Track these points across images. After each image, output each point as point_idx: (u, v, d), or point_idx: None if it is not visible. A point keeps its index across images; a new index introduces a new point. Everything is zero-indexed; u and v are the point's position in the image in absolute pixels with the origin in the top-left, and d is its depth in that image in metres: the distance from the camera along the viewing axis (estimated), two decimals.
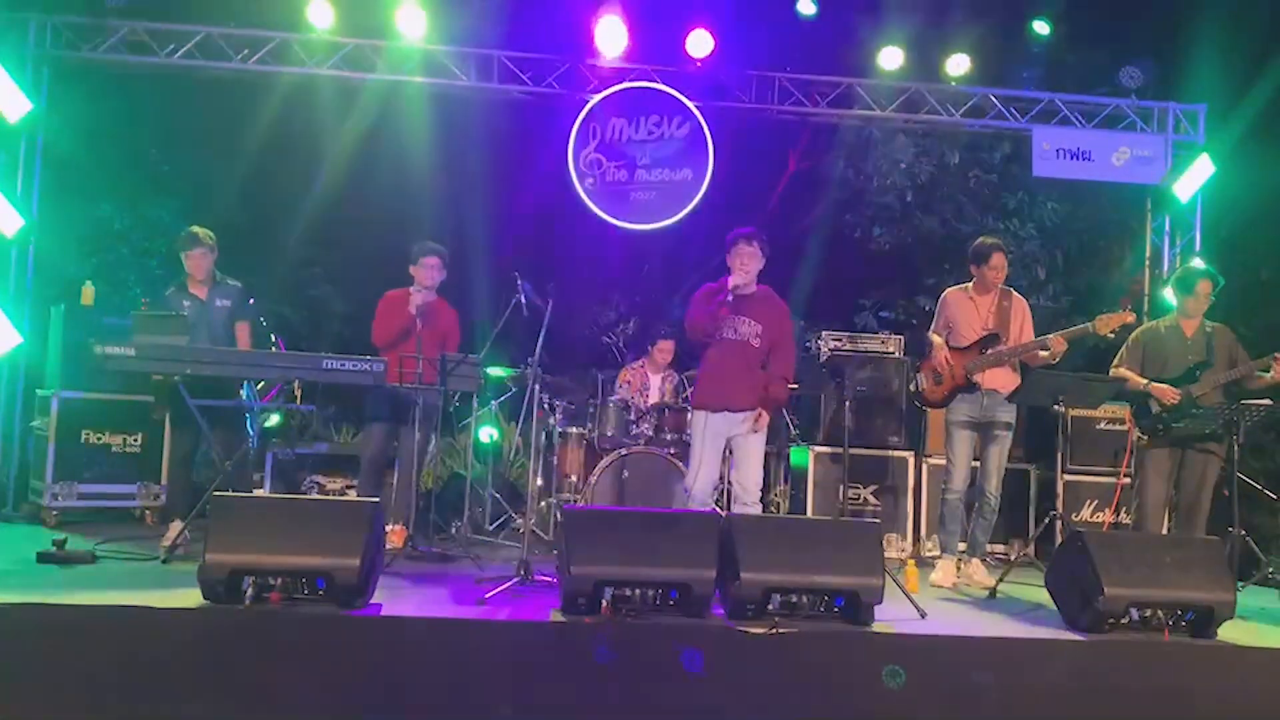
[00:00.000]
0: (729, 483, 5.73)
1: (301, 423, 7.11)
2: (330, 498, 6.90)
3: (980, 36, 8.69)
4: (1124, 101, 8.45)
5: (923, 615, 4.70)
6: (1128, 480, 6.16)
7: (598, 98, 8.27)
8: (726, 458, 5.61)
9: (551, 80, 8.29)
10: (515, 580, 4.82)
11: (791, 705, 3.96)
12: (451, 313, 6.45)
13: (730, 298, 5.31)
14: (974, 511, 5.99)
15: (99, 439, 6.74)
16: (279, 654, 3.87)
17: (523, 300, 6.39)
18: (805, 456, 7.18)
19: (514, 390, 7.40)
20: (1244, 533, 5.69)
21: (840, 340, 7.63)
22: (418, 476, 6.11)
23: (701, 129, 8.30)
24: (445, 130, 9.96)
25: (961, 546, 6.06)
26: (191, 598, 4.08)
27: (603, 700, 3.89)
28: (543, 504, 6.97)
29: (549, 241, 11.09)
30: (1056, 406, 5.86)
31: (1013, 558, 6.54)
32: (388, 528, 5.87)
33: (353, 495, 6.74)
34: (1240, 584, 5.20)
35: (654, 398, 7.30)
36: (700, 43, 8.15)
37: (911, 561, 6.03)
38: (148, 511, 6.83)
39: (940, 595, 5.53)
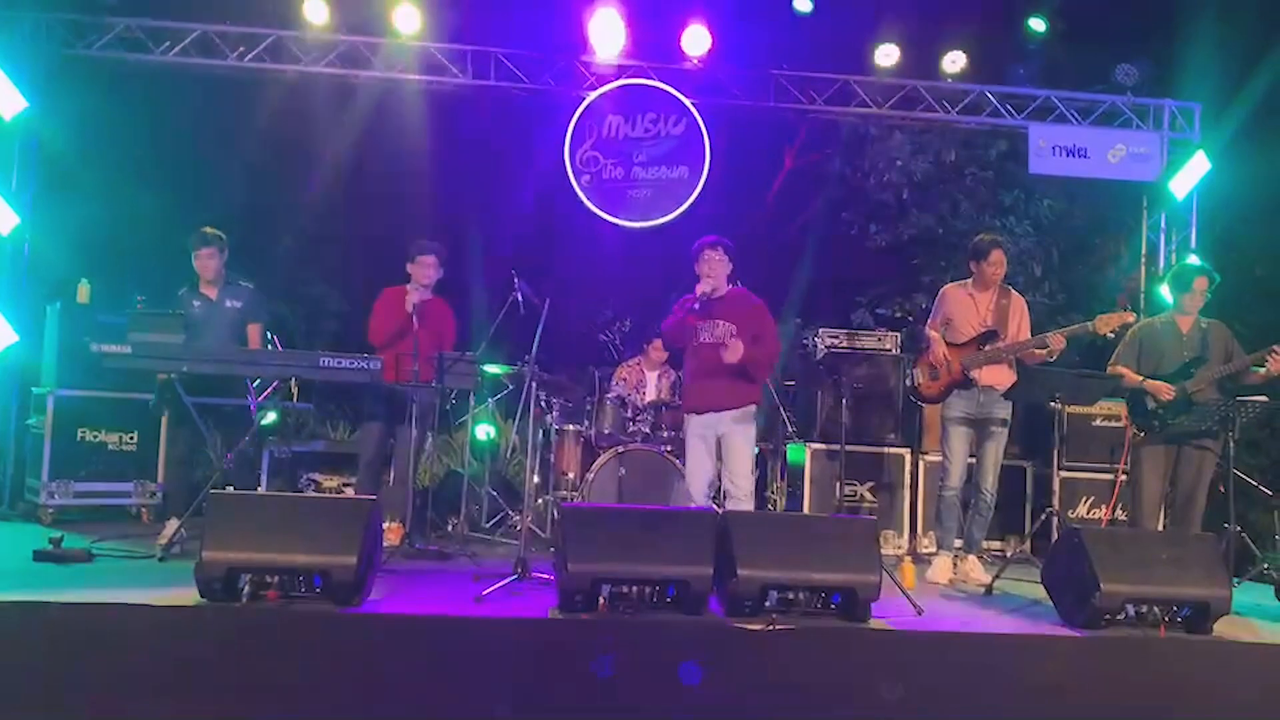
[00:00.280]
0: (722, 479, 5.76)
1: (298, 421, 7.11)
2: (327, 495, 6.90)
3: (976, 34, 8.70)
4: (1120, 99, 8.46)
5: (919, 612, 4.71)
6: (1124, 477, 6.17)
7: (594, 95, 8.27)
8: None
9: (548, 77, 8.28)
10: (512, 578, 4.82)
11: (789, 702, 3.97)
12: (448, 311, 6.45)
13: (697, 305, 5.51)
14: (970, 508, 5.99)
15: (95, 437, 6.73)
16: (276, 652, 3.87)
17: (519, 298, 6.39)
18: (802, 454, 7.18)
19: (511, 388, 7.40)
20: (1239, 529, 5.70)
21: (837, 337, 7.64)
22: (414, 474, 6.11)
23: (698, 126, 8.30)
24: (441, 128, 9.95)
25: (958, 543, 6.06)
26: (188, 596, 4.08)
27: (600, 698, 3.90)
28: (540, 501, 6.97)
29: (546, 239, 11.07)
30: (1053, 403, 5.87)
31: (1009, 554, 6.55)
32: (385, 525, 5.86)
33: (350, 493, 6.74)
34: (1236, 580, 5.21)
35: (651, 395, 7.31)
36: (697, 40, 8.15)
37: (908, 558, 6.06)
38: (144, 509, 6.82)
39: (937, 592, 5.54)
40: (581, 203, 8.37)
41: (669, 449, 6.71)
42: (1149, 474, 5.85)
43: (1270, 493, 6.91)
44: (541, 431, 7.05)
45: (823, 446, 7.15)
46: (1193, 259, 8.01)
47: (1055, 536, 5.82)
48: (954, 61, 8.34)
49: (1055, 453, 6.71)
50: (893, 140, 10.15)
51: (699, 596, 4.28)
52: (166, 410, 6.06)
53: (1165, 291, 6.33)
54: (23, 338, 7.31)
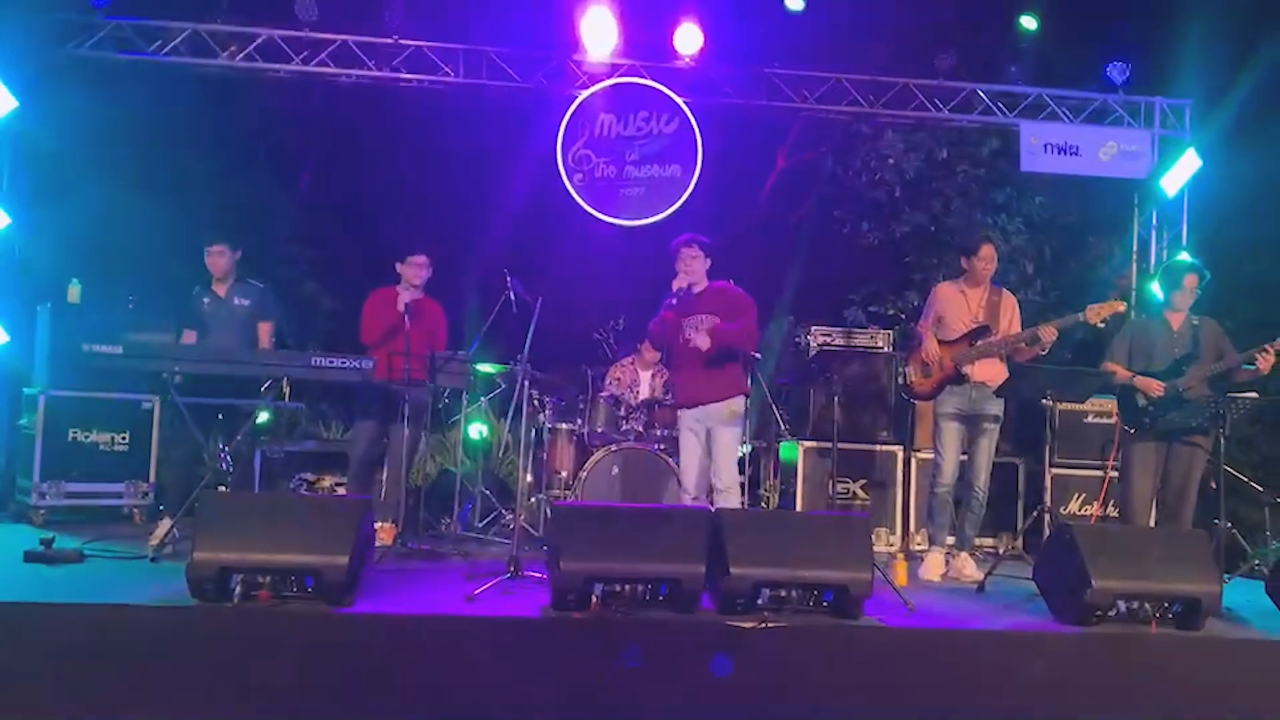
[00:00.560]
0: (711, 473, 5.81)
1: (290, 420, 7.10)
2: (319, 495, 6.89)
3: (968, 32, 8.72)
4: (1111, 96, 8.48)
5: (911, 609, 4.72)
6: (1115, 474, 6.19)
7: (586, 94, 8.26)
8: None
9: (539, 76, 8.26)
10: (505, 577, 4.82)
11: (781, 700, 3.98)
12: (439, 310, 6.45)
13: (675, 300, 5.65)
14: (962, 505, 6.00)
15: (86, 437, 6.71)
16: (268, 652, 3.86)
17: (512, 297, 6.38)
18: (794, 451, 7.19)
19: (504, 387, 7.39)
20: (1230, 525, 5.73)
21: (829, 335, 7.64)
22: (407, 474, 6.11)
23: (690, 125, 8.30)
24: (433, 127, 9.94)
25: (950, 540, 6.08)
26: (180, 596, 4.07)
27: (593, 696, 3.90)
28: (533, 500, 6.96)
29: (538, 238, 11.07)
30: (1045, 400, 5.88)
31: (1001, 551, 6.57)
32: (377, 525, 5.86)
33: (342, 493, 6.73)
34: (1227, 576, 5.24)
35: (644, 394, 7.31)
36: (689, 38, 8.15)
37: (900, 555, 6.07)
38: (136, 510, 6.81)
39: (929, 589, 5.54)
40: (574, 201, 8.36)
41: (662, 447, 6.72)
42: (1140, 471, 5.86)
43: (1261, 489, 6.93)
44: (534, 430, 7.04)
45: (815, 444, 7.15)
46: (1184, 256, 8.04)
47: (1047, 533, 5.84)
48: (946, 59, 8.35)
49: (1047, 449, 6.72)
50: (885, 138, 10.15)
51: (691, 594, 4.28)
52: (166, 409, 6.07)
53: (1156, 289, 6.34)
54: (13, 338, 7.29)
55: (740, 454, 5.93)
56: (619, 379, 7.47)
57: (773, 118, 8.92)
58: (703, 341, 5.54)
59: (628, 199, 8.38)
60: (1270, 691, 4.22)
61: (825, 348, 7.48)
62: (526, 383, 5.68)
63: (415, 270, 6.27)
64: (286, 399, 5.39)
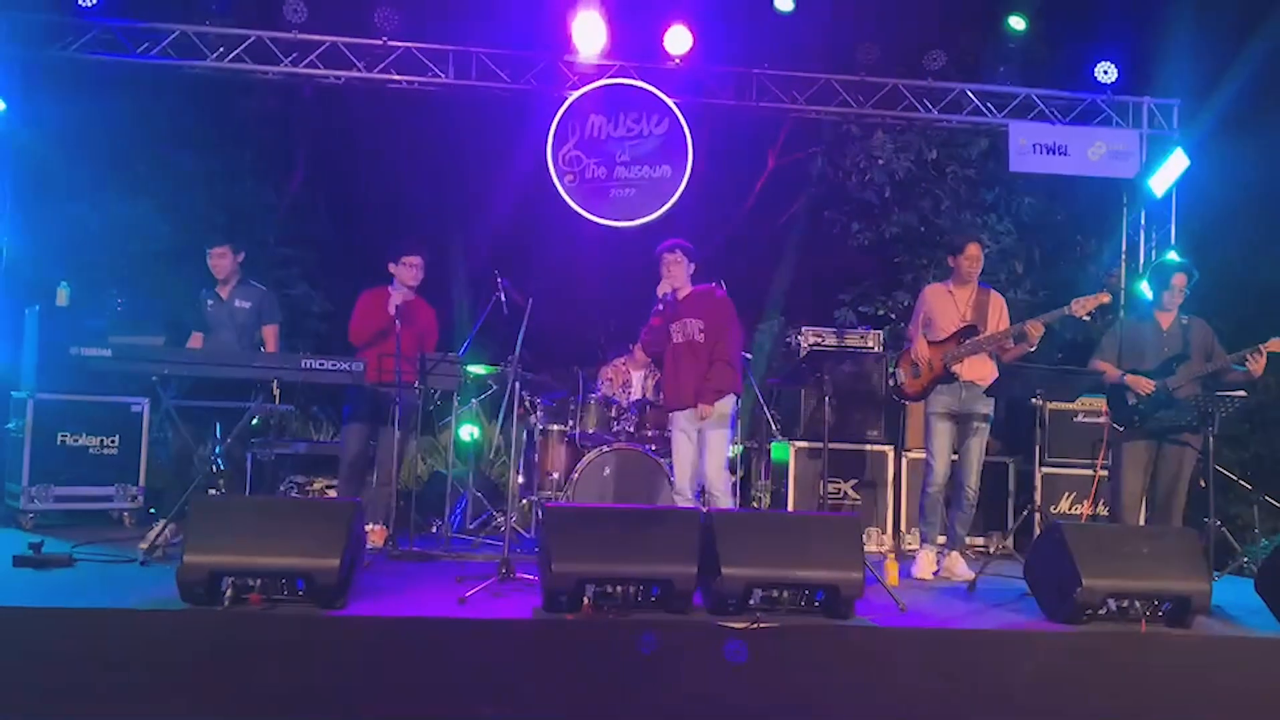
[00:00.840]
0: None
1: (280, 423, 7.08)
2: (310, 498, 6.87)
3: (956, 32, 8.74)
4: (1099, 96, 8.51)
5: (902, 609, 4.72)
6: (1105, 473, 6.20)
7: (576, 94, 8.25)
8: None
9: (530, 77, 8.26)
10: (496, 579, 4.82)
11: (773, 700, 3.98)
12: (429, 311, 6.44)
13: (661, 305, 5.79)
14: (953, 505, 6.02)
15: (75, 441, 6.68)
16: (258, 656, 3.85)
17: (503, 298, 6.38)
18: (786, 452, 7.20)
19: (495, 388, 7.39)
20: (1220, 523, 5.75)
21: (820, 336, 7.66)
22: (398, 476, 6.10)
23: (680, 126, 8.30)
24: (423, 128, 9.93)
25: (941, 539, 6.09)
26: (170, 600, 4.05)
27: (584, 698, 3.90)
28: (524, 502, 6.96)
29: (529, 239, 11.06)
30: (1035, 400, 5.90)
31: (992, 550, 6.58)
32: (368, 527, 5.85)
33: (333, 495, 6.71)
34: (1216, 574, 5.26)
35: (636, 394, 7.31)
36: (678, 39, 8.15)
37: (892, 555, 6.08)
38: (126, 513, 6.78)
39: (920, 588, 5.55)
40: (565, 203, 8.36)
41: (654, 448, 6.71)
42: (1129, 469, 5.88)
43: (1250, 487, 6.97)
44: (526, 432, 7.04)
45: (806, 445, 7.17)
46: (1172, 255, 8.07)
47: (1037, 532, 5.85)
48: (934, 60, 8.37)
49: (1037, 449, 6.74)
50: (874, 139, 10.17)
51: (684, 595, 4.28)
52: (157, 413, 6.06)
53: (1145, 288, 6.37)
54: (1, 342, 7.25)
55: (731, 454, 5.94)
56: (611, 379, 7.47)
57: (762, 118, 8.93)
58: (706, 413, 5.71)
59: (618, 200, 8.38)
60: (1259, 689, 4.24)
61: (816, 348, 7.50)
62: (517, 384, 5.68)
63: (410, 271, 6.26)
64: (277, 401, 5.37)
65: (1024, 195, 10.17)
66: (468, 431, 7.67)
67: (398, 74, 8.09)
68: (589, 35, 8.04)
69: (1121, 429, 5.93)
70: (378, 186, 10.61)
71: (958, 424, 5.96)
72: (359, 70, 8.03)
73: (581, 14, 7.98)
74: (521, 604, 4.45)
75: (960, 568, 5.91)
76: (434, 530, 6.84)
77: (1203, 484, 5.76)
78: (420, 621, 4.13)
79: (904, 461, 7.23)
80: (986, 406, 5.93)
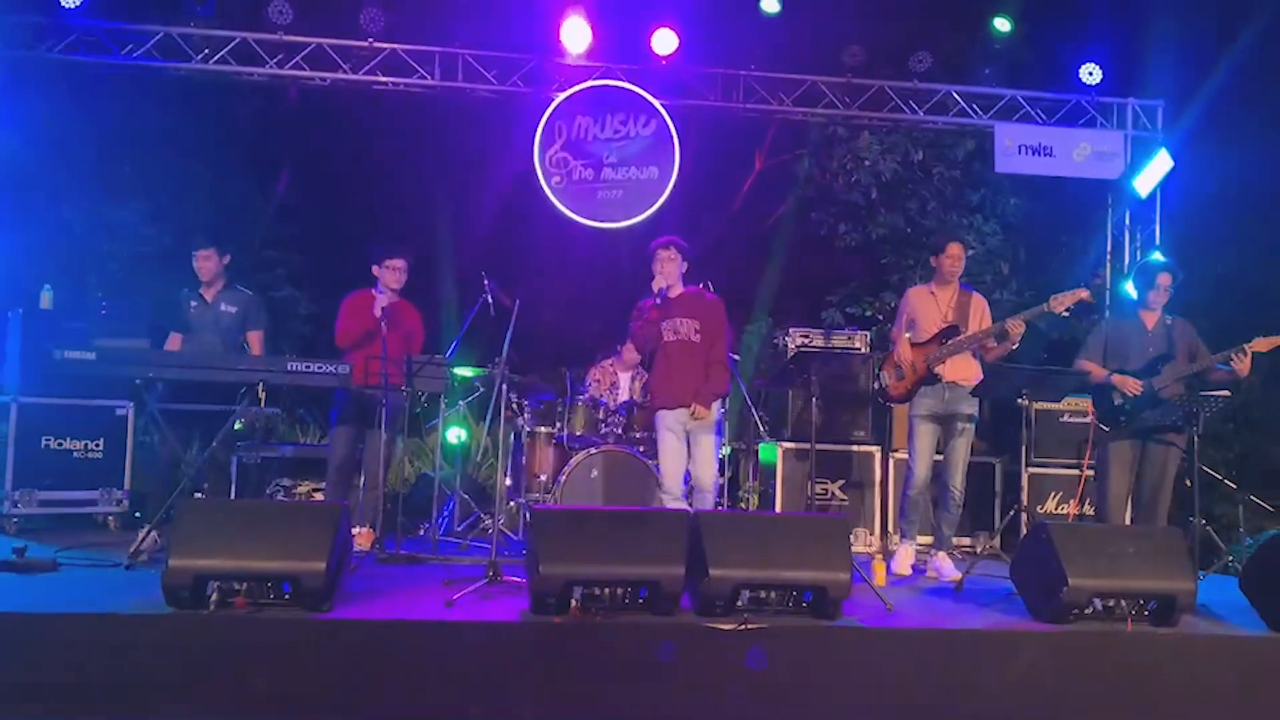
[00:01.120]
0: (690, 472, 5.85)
1: (267, 425, 7.05)
2: (296, 501, 6.85)
3: (942, 34, 8.76)
4: (1084, 98, 8.55)
5: (890, 609, 4.73)
6: (1090, 473, 6.23)
7: (563, 96, 8.24)
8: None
9: (516, 79, 8.25)
10: (484, 581, 4.80)
11: (760, 700, 3.98)
12: (415, 313, 6.43)
13: (659, 300, 5.73)
14: (939, 505, 6.03)
15: (60, 445, 6.64)
16: (245, 659, 3.84)
17: (489, 300, 6.37)
18: (774, 453, 7.21)
19: (482, 390, 7.38)
20: (1205, 522, 5.78)
21: (807, 337, 7.67)
22: (385, 478, 6.08)
23: (668, 127, 8.30)
24: (409, 129, 9.92)
25: (927, 539, 6.10)
26: (156, 604, 4.03)
27: (572, 700, 3.90)
28: (512, 504, 6.94)
29: (516, 241, 11.06)
30: (1020, 400, 5.91)
31: (979, 550, 6.60)
32: (355, 530, 5.84)
33: (319, 498, 6.69)
34: (1201, 573, 5.29)
35: (623, 395, 7.31)
36: (665, 41, 8.16)
37: (879, 555, 6.08)
38: (111, 518, 6.75)
39: (907, 589, 5.56)
40: (552, 204, 8.34)
41: (642, 450, 6.71)
42: (1115, 469, 5.91)
43: (1235, 486, 7.00)
44: (513, 434, 7.03)
45: (794, 445, 7.18)
46: (1157, 255, 8.12)
47: (1024, 532, 5.87)
48: (920, 61, 8.39)
49: (1023, 449, 6.76)
50: (861, 140, 10.20)
51: (671, 597, 4.28)
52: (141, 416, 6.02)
53: (1131, 288, 6.40)
54: None
55: (720, 455, 5.95)
56: (598, 380, 7.46)
57: (749, 120, 8.94)
58: (701, 415, 5.69)
59: (605, 201, 8.37)
60: (1244, 687, 4.27)
61: (803, 349, 7.51)
62: (504, 386, 5.66)
63: (393, 274, 6.25)
64: (263, 404, 5.35)
65: (1010, 196, 10.23)
66: (455, 434, 7.65)
67: (384, 75, 8.07)
68: (575, 36, 8.04)
69: (1107, 429, 5.95)
70: (364, 188, 10.59)
71: (942, 425, 5.97)
72: (345, 72, 8.00)
73: (569, 22, 7.98)
74: (509, 606, 4.44)
75: (947, 568, 5.92)
76: (421, 533, 6.83)
77: (1188, 483, 5.79)
78: (408, 624, 4.12)
79: (891, 462, 7.25)
80: (970, 407, 5.94)
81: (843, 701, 4.05)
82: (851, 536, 6.34)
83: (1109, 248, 8.99)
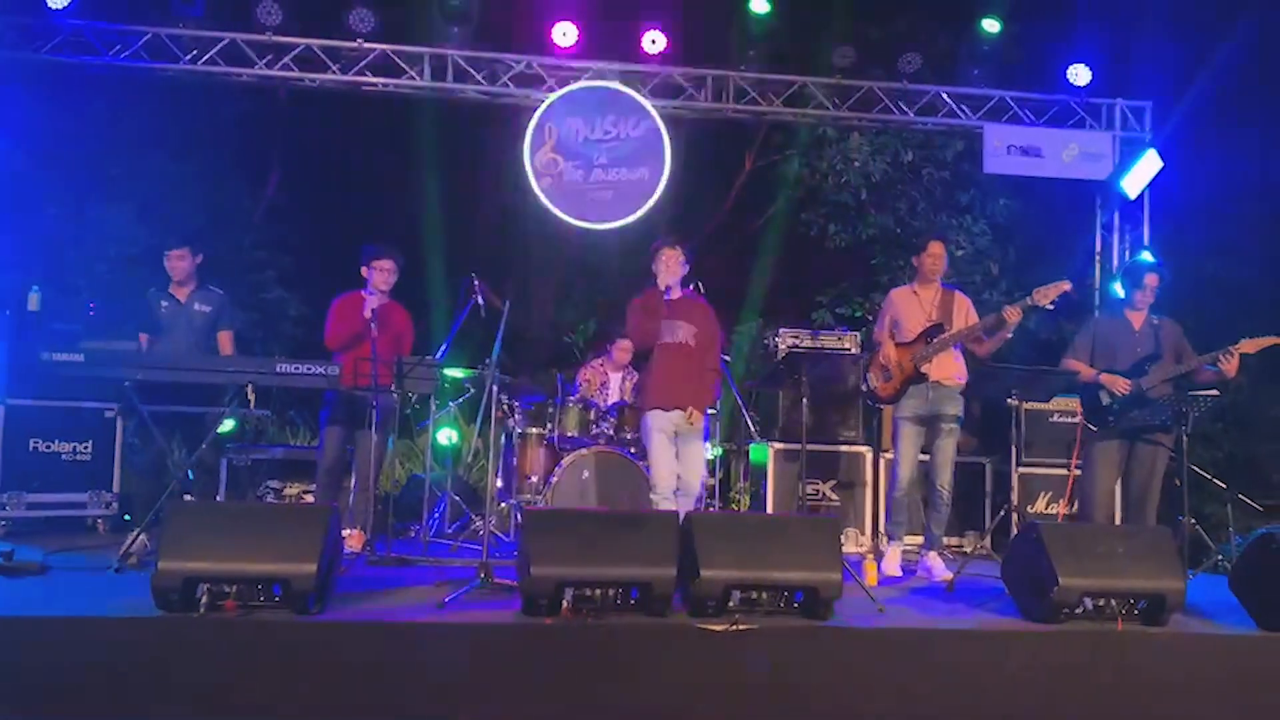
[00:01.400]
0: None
1: (257, 427, 7.03)
2: (286, 503, 6.82)
3: (931, 34, 8.79)
4: (1073, 99, 8.58)
5: (881, 609, 4.74)
6: (1079, 472, 6.25)
7: (553, 97, 8.24)
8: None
9: (506, 80, 8.25)
10: (475, 583, 4.79)
11: (752, 701, 3.98)
12: (404, 314, 6.42)
13: (668, 298, 5.69)
14: (928, 506, 6.04)
15: (48, 447, 6.60)
16: (235, 662, 3.82)
17: (480, 301, 6.35)
18: (765, 453, 7.21)
19: (473, 392, 7.37)
20: (1194, 521, 5.80)
21: (798, 337, 7.67)
22: (375, 480, 6.06)
23: (658, 128, 8.30)
24: (399, 130, 9.90)
25: (917, 539, 6.10)
26: (145, 607, 4.01)
27: (564, 701, 3.89)
28: (503, 505, 6.93)
29: (506, 241, 11.06)
30: (1010, 400, 5.93)
31: (970, 551, 6.62)
32: (345, 532, 5.82)
33: (309, 500, 6.67)
34: (1191, 572, 5.30)
35: (614, 396, 7.30)
36: (655, 42, 8.17)
37: (870, 556, 6.09)
38: (99, 520, 6.71)
39: (898, 589, 5.57)
40: (542, 205, 8.34)
41: (633, 451, 6.70)
42: (1102, 468, 5.93)
43: (1224, 485, 7.03)
44: (504, 435, 7.01)
45: (784, 446, 7.18)
46: (1146, 255, 8.15)
47: (1014, 532, 5.89)
48: (909, 62, 8.41)
49: (1014, 449, 6.78)
50: (850, 141, 10.23)
51: (663, 598, 4.27)
52: (127, 418, 5.99)
53: (1119, 289, 6.42)
54: None
55: (710, 458, 5.95)
56: (588, 381, 7.46)
57: (740, 121, 8.95)
58: (696, 419, 5.71)
59: (596, 202, 8.36)
60: (1233, 686, 4.28)
61: (794, 349, 7.51)
62: (495, 387, 5.65)
63: (382, 275, 6.24)
64: (252, 405, 5.33)
65: (999, 197, 10.26)
66: (446, 435, 7.63)
67: (373, 76, 8.06)
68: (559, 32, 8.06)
69: (1095, 429, 5.97)
70: (354, 189, 10.57)
71: (927, 426, 5.98)
72: (334, 73, 7.99)
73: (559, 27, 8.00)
74: (501, 608, 4.43)
75: (938, 568, 5.93)
76: (412, 535, 6.81)
77: (1178, 483, 5.81)
78: (399, 626, 4.11)
79: (881, 462, 7.26)
80: (955, 407, 5.95)
81: (834, 702, 4.05)
82: (842, 537, 6.35)
83: (1097, 248, 9.02)
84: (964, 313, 6.05)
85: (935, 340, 5.91)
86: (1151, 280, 5.96)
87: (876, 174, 10.17)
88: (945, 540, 6.29)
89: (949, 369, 5.94)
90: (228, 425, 5.81)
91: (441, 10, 7.92)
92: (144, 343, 6.14)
